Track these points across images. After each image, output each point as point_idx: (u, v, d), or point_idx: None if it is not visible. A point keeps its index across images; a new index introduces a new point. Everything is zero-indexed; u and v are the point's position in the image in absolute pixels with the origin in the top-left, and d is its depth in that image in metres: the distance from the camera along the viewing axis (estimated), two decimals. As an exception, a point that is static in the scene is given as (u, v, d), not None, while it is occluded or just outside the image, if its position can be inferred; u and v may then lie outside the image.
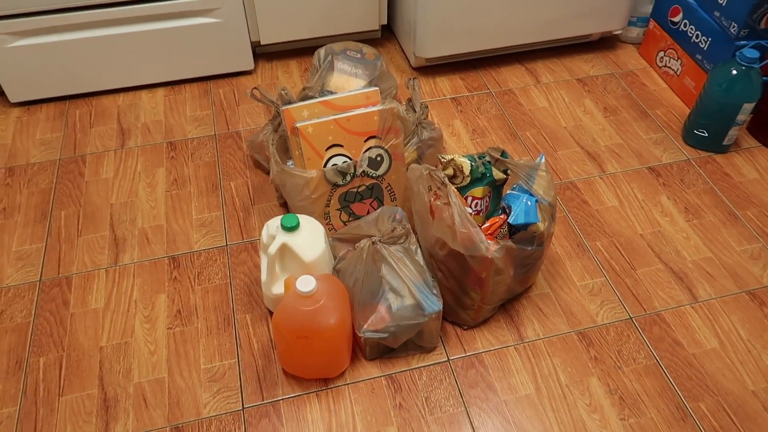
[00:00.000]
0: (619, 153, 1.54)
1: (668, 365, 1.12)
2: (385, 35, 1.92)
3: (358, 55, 1.56)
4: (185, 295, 1.22)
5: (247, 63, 1.74)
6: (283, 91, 1.32)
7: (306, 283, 0.97)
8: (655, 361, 1.13)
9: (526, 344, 1.15)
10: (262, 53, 1.85)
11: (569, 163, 1.51)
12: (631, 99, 1.70)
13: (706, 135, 1.52)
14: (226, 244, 1.32)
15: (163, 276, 1.26)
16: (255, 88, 1.33)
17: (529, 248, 1.08)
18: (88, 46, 1.58)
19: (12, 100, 1.64)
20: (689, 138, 1.56)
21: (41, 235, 1.34)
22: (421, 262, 1.10)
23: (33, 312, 1.20)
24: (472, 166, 1.14)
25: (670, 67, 1.73)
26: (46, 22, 1.52)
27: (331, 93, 1.43)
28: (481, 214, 1.18)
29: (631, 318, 1.20)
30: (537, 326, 1.18)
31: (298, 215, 1.10)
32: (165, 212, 1.38)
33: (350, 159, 1.22)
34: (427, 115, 1.44)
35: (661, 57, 1.76)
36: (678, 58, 1.69)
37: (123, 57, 1.63)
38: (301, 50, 1.86)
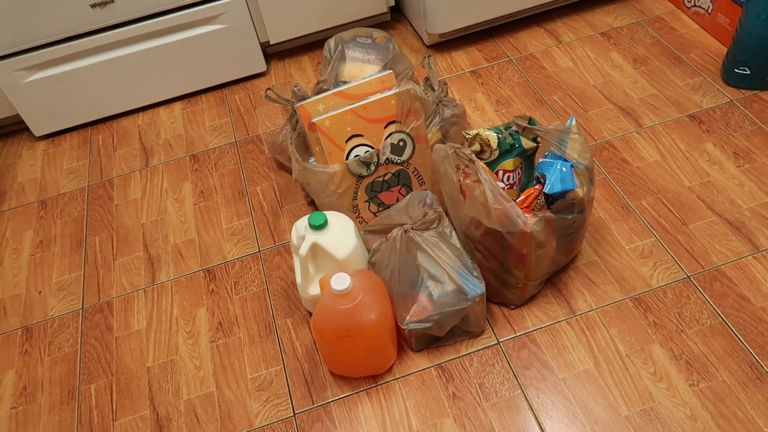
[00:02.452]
0: (654, 104, 1.45)
1: (735, 322, 1.05)
2: (395, 16, 1.86)
3: (369, 41, 1.51)
4: (224, 307, 1.21)
5: (259, 65, 1.72)
6: (296, 88, 1.28)
7: (341, 281, 0.94)
8: (721, 319, 1.06)
9: (578, 317, 1.10)
10: (273, 53, 1.82)
11: (603, 122, 1.43)
12: (661, 46, 1.60)
13: (749, 72, 1.41)
14: (259, 250, 1.30)
15: (200, 290, 1.25)
16: (269, 88, 1.30)
17: (570, 216, 1.02)
18: (102, 71, 1.59)
19: (37, 134, 1.67)
20: (730, 78, 1.45)
21: (78, 263, 1.35)
22: (458, 244, 1.05)
23: (79, 340, 1.21)
24: (498, 138, 1.08)
25: (700, 6, 1.62)
26: (57, 52, 1.52)
27: (346, 83, 1.39)
28: (514, 187, 1.13)
29: (688, 277, 1.12)
30: (588, 297, 1.12)
31: (325, 212, 1.07)
32: (195, 225, 1.37)
33: (372, 148, 1.18)
34: (446, 93, 1.39)
35: (689, -3, 1.65)
36: (707, -5, 1.58)
37: (136, 76, 1.63)
38: (312, 44, 1.82)
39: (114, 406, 1.10)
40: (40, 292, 1.31)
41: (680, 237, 1.18)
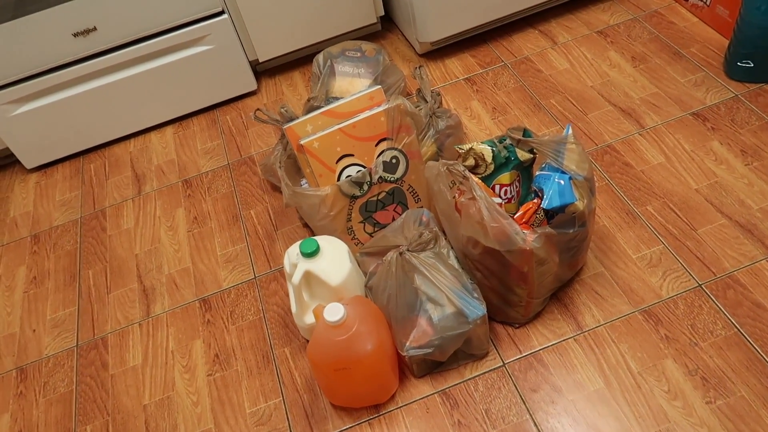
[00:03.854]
0: (656, 104, 1.40)
1: (752, 333, 1.00)
2: (386, 26, 1.83)
3: (358, 54, 1.48)
4: (220, 338, 1.18)
5: (250, 83, 1.69)
6: (282, 109, 1.25)
7: (334, 312, 0.90)
8: (736, 330, 1.01)
9: (586, 333, 1.05)
10: (263, 70, 1.79)
11: (603, 124, 1.39)
12: (660, 42, 1.55)
13: (752, 65, 1.36)
14: (255, 277, 1.27)
15: (196, 321, 1.22)
16: (258, 109, 1.27)
17: (571, 231, 0.98)
18: (90, 99, 1.56)
19: (28, 166, 1.64)
20: (733, 72, 1.40)
21: (73, 298, 1.32)
22: (456, 265, 1.01)
23: (74, 379, 1.18)
24: (493, 151, 1.04)
25: (698, -1, 1.57)
26: (43, 83, 1.50)
27: (337, 99, 1.36)
28: (512, 201, 1.08)
29: (700, 285, 1.07)
30: (595, 311, 1.07)
31: (317, 238, 1.03)
32: (189, 254, 1.34)
33: (364, 167, 1.14)
34: (440, 103, 1.35)
35: (687, -11, 1.60)
36: (705, -14, 1.53)
37: (126, 103, 1.60)
38: (303, 59, 1.79)
39: (111, 447, 1.07)
40: (34, 330, 1.28)
41: (689, 243, 1.13)
